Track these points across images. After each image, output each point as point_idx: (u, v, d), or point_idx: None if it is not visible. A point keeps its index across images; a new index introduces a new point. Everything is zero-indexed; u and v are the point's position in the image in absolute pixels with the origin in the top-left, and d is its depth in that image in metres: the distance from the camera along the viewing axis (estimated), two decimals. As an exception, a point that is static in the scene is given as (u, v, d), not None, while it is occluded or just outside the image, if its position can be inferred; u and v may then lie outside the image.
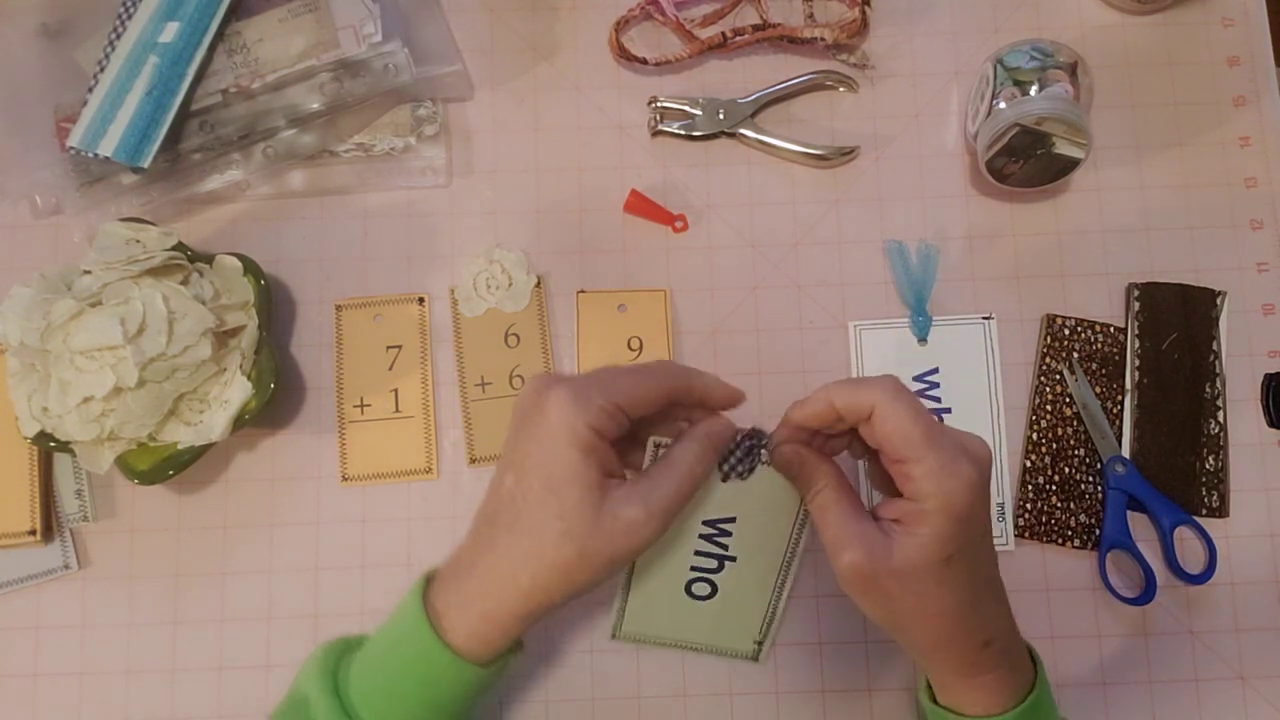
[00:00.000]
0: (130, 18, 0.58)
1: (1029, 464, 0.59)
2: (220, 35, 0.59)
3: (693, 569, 0.50)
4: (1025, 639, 0.47)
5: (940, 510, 0.39)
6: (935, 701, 0.46)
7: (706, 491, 0.46)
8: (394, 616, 0.44)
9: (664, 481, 0.41)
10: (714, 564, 0.50)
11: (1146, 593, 0.56)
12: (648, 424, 0.44)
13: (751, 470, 0.45)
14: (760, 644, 0.54)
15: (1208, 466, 0.58)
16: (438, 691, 0.42)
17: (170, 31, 0.58)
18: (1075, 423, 0.59)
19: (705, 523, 0.48)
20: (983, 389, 0.59)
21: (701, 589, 0.51)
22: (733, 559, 0.50)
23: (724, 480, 0.45)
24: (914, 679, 0.56)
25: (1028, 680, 0.45)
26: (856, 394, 0.41)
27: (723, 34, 0.63)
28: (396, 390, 0.60)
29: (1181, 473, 0.58)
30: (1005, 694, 0.43)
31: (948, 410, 0.59)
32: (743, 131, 0.62)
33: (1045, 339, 0.60)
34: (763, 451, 0.45)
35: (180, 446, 0.54)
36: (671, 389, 0.42)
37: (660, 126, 0.62)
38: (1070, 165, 0.58)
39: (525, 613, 0.41)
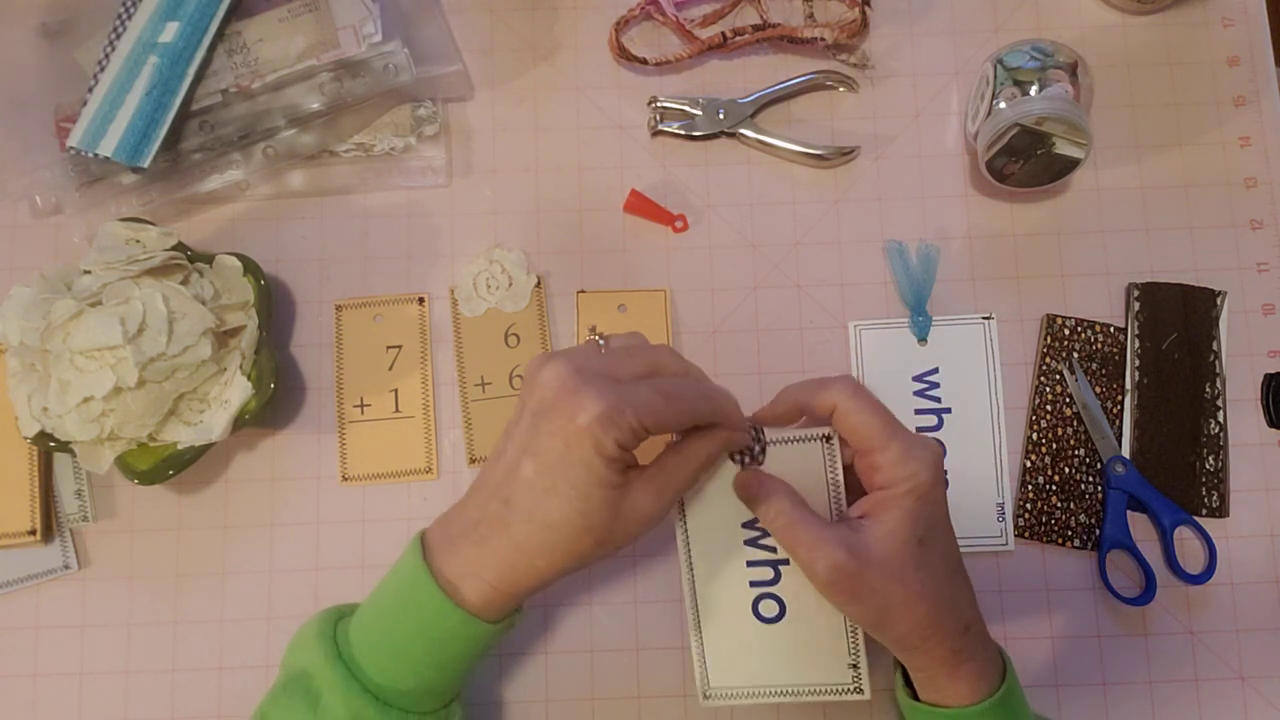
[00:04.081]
0: (130, 18, 0.58)
1: (1029, 464, 0.59)
2: (220, 35, 0.59)
3: (751, 584, 0.49)
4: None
5: (909, 492, 0.42)
6: (916, 698, 0.47)
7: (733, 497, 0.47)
8: (395, 581, 0.45)
9: (677, 474, 0.43)
10: (770, 574, 0.49)
11: (1146, 593, 0.56)
12: None
13: (759, 458, 0.47)
14: (856, 668, 0.49)
15: (1208, 466, 0.58)
16: (448, 651, 0.44)
17: (170, 31, 0.58)
18: (1075, 423, 0.59)
19: (745, 525, 0.48)
20: (983, 389, 0.59)
21: (769, 608, 0.49)
22: (785, 562, 0.48)
23: (742, 465, 0.47)
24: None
25: (999, 668, 0.47)
26: (818, 393, 0.44)
27: (723, 34, 0.63)
28: (396, 390, 0.60)
29: (1181, 473, 0.58)
30: (985, 682, 0.45)
31: (948, 410, 0.59)
32: (743, 131, 0.62)
33: (1045, 339, 0.60)
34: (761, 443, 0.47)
35: (180, 446, 0.54)
36: (700, 418, 0.44)
37: (660, 126, 0.62)
38: (1070, 165, 0.58)
39: (539, 585, 0.43)
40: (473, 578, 0.43)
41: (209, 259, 0.57)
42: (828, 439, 0.46)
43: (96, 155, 0.57)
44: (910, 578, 0.42)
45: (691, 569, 0.49)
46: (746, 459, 0.47)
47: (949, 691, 0.45)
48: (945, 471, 0.45)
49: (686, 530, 0.49)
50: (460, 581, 0.43)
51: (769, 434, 0.47)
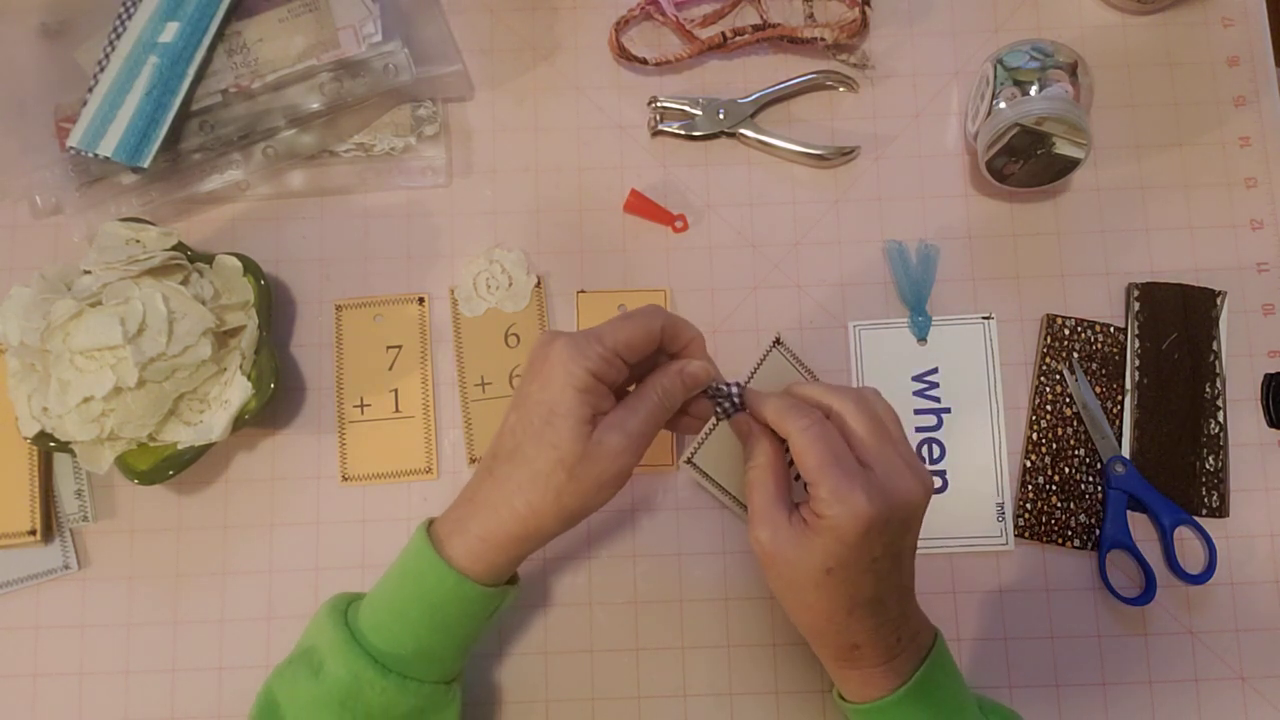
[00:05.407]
0: (130, 18, 0.58)
1: (1029, 464, 0.59)
2: (220, 35, 0.59)
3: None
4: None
5: (829, 530, 0.42)
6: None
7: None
8: (402, 556, 0.48)
9: (638, 410, 0.45)
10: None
11: (1146, 593, 0.56)
12: (645, 367, 0.47)
13: (730, 416, 0.49)
14: None
15: (1208, 466, 0.58)
16: (443, 612, 0.46)
17: (170, 31, 0.58)
18: (1075, 423, 0.59)
19: None
20: (983, 389, 0.59)
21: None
22: None
23: (717, 419, 0.49)
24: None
25: (899, 679, 0.46)
26: (780, 420, 0.44)
27: (723, 34, 0.63)
28: (396, 390, 0.60)
29: (1181, 473, 0.58)
30: (876, 690, 0.46)
31: (947, 410, 0.59)
32: (743, 131, 0.62)
33: (1045, 339, 0.60)
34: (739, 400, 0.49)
35: (180, 446, 0.54)
36: (659, 329, 0.46)
37: (660, 126, 0.62)
38: (1070, 165, 0.58)
39: (521, 535, 0.44)
40: (461, 533, 0.45)
41: (209, 259, 0.57)
42: (777, 342, 0.55)
43: (96, 155, 0.57)
44: (805, 591, 0.43)
45: (726, 491, 0.55)
46: (730, 409, 0.48)
47: (840, 685, 0.48)
48: (905, 520, 0.43)
49: (702, 469, 0.55)
50: (449, 538, 0.45)
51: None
